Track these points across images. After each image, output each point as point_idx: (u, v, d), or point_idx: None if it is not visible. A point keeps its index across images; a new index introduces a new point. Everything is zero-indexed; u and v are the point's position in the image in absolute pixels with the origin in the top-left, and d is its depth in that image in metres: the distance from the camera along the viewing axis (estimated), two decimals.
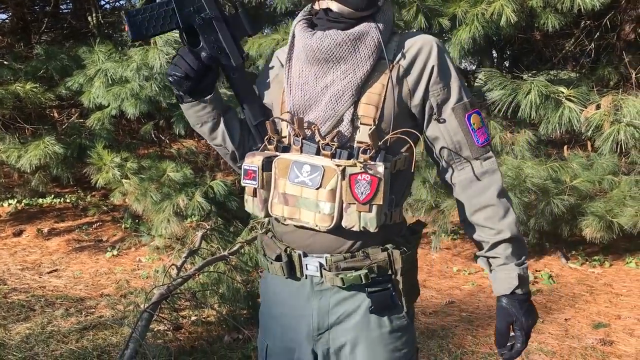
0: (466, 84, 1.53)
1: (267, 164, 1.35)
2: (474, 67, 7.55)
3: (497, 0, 3.89)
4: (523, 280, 1.39)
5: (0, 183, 5.76)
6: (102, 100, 4.74)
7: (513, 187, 3.85)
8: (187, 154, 5.78)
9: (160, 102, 4.88)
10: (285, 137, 1.40)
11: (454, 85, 1.38)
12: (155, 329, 3.34)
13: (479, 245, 1.44)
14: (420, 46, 1.37)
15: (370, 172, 1.27)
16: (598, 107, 3.85)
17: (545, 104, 3.81)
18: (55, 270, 4.66)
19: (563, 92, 3.83)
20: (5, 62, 5.85)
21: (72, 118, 6.10)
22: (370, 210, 1.28)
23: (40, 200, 6.51)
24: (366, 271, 1.34)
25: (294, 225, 1.38)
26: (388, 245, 1.38)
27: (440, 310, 3.78)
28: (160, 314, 3.23)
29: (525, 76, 3.94)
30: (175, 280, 3.26)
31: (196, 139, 6.93)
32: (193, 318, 3.55)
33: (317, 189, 1.29)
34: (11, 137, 5.33)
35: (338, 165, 1.28)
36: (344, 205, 1.28)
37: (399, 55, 1.36)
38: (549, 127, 3.84)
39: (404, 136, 1.33)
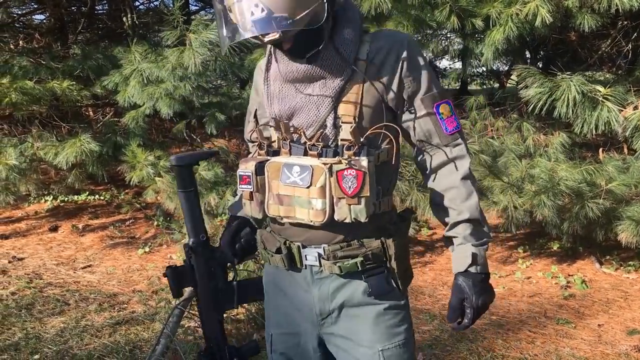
0: (437, 77, 1.66)
1: (259, 169, 1.45)
2: (506, 68, 7.46)
3: (533, 0, 3.84)
4: (477, 259, 1.47)
5: (38, 180, 5.89)
6: (137, 100, 4.82)
7: (546, 189, 3.80)
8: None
9: (193, 101, 4.94)
10: (274, 141, 1.51)
11: (423, 78, 1.47)
12: (186, 326, 3.38)
13: (444, 225, 1.54)
14: (392, 43, 1.45)
15: (355, 167, 1.36)
16: (635, 108, 3.77)
17: (583, 103, 3.74)
18: (89, 266, 4.76)
19: (600, 91, 3.76)
20: (43, 62, 5.99)
21: (107, 117, 6.22)
22: (359, 203, 1.36)
23: (75, 197, 6.65)
24: (362, 258, 1.44)
25: (290, 223, 1.47)
26: (381, 234, 1.46)
27: None
28: (191, 311, 3.27)
29: (562, 75, 3.87)
30: None
31: (227, 139, 7.00)
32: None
33: (308, 187, 1.39)
34: (49, 135, 5.47)
35: (325, 164, 1.37)
36: (335, 200, 1.38)
37: (372, 54, 1.44)
38: (585, 127, 3.78)
39: (383, 130, 1.41)
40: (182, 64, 4.51)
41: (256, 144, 1.60)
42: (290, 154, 1.45)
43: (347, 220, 1.38)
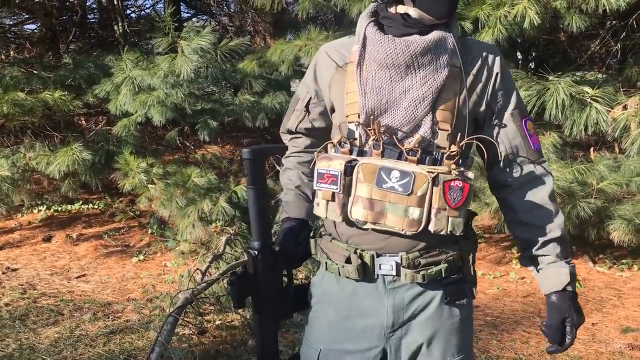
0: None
1: (349, 169, 1.34)
2: None
3: (521, 2, 3.86)
4: (573, 277, 1.44)
5: (31, 190, 5.88)
6: (129, 108, 4.82)
7: None
8: (212, 160, 5.83)
9: (185, 108, 4.94)
10: (356, 139, 1.39)
11: (513, 92, 1.45)
12: (180, 333, 3.38)
13: (527, 244, 1.48)
14: (486, 54, 1.43)
15: (462, 178, 1.30)
16: (625, 107, 3.80)
17: (572, 105, 3.76)
18: (83, 275, 4.75)
19: (588, 93, 3.78)
20: (34, 72, 5.99)
21: (100, 125, 6.21)
22: (459, 216, 1.32)
23: (69, 207, 6.64)
24: (446, 265, 1.39)
25: (372, 229, 1.37)
26: (456, 239, 1.41)
27: None
28: (185, 318, 3.27)
29: (551, 77, 3.89)
30: (200, 284, 3.30)
31: (220, 145, 7.00)
32: (217, 322, 3.59)
33: (408, 194, 1.30)
34: (41, 145, 5.46)
35: (430, 172, 1.29)
36: (434, 211, 1.30)
37: (467, 62, 1.40)
38: (574, 129, 3.80)
39: (477, 141, 1.38)
40: (173, 71, 4.51)
41: (299, 137, 1.56)
42: (382, 157, 1.34)
43: (443, 232, 1.32)
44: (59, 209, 6.58)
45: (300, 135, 1.59)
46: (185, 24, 6.94)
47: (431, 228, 1.31)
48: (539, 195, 1.45)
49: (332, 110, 1.50)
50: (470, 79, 1.40)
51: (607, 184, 3.96)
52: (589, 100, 3.75)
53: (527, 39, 5.40)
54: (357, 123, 1.37)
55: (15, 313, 3.87)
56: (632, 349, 3.20)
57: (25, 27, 8.76)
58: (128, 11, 9.14)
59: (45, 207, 6.50)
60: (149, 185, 4.79)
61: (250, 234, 1.52)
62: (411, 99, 1.35)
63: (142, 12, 9.49)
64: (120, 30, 6.88)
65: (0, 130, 6.08)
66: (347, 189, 1.35)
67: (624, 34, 5.09)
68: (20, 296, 4.18)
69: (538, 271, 1.48)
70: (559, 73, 4.48)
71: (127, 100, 4.77)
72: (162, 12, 5.64)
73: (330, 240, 1.48)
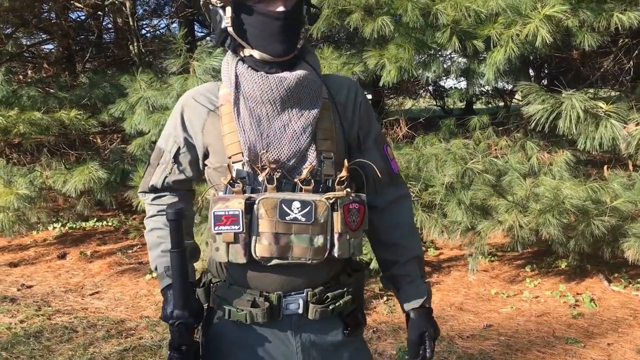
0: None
1: (248, 206, 1.32)
2: (510, 87, 7.49)
3: (532, 21, 3.88)
4: (429, 294, 1.53)
5: (47, 207, 5.94)
6: (143, 127, 4.88)
7: (551, 208, 3.79)
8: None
9: None
10: (244, 178, 1.37)
11: (374, 121, 1.55)
12: None
13: (388, 264, 1.56)
14: (349, 85, 1.51)
15: (358, 200, 1.38)
16: (638, 124, 3.78)
17: (586, 120, 3.76)
18: (97, 292, 4.77)
19: (602, 107, 3.78)
20: (51, 91, 6.09)
21: (114, 144, 6.29)
22: (357, 237, 1.38)
23: (84, 224, 6.70)
24: (350, 297, 1.44)
25: (273, 265, 1.35)
26: (349, 269, 1.49)
27: (478, 334, 3.73)
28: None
29: (564, 92, 3.89)
30: None
31: None
32: None
33: (312, 223, 1.32)
34: (57, 163, 5.53)
35: (328, 198, 1.33)
36: (337, 235, 1.34)
37: (334, 92, 1.46)
38: (588, 143, 3.79)
39: (355, 166, 1.43)
40: (185, 91, 4.56)
41: (164, 195, 1.52)
42: (277, 190, 1.36)
43: (346, 256, 1.36)
44: (74, 226, 6.64)
45: (165, 193, 1.55)
46: (198, 43, 7.04)
47: (335, 253, 1.34)
48: (401, 215, 1.55)
49: (206, 155, 1.48)
50: (339, 109, 1.45)
51: (622, 202, 3.93)
52: (602, 114, 3.74)
53: (539, 57, 5.41)
54: (243, 162, 1.37)
55: (29, 330, 3.90)
56: None
57: (43, 47, 8.93)
58: (143, 31, 9.30)
59: (60, 224, 6.57)
60: None
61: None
62: (292, 132, 1.38)
63: (157, 32, 9.64)
64: (136, 49, 6.98)
65: (17, 149, 6.17)
66: (249, 228, 1.33)
67: (636, 51, 5.08)
68: (35, 313, 4.21)
69: (398, 290, 1.55)
70: (572, 90, 4.47)
71: (142, 119, 4.83)
72: (176, 32, 5.71)
73: (229, 287, 1.44)
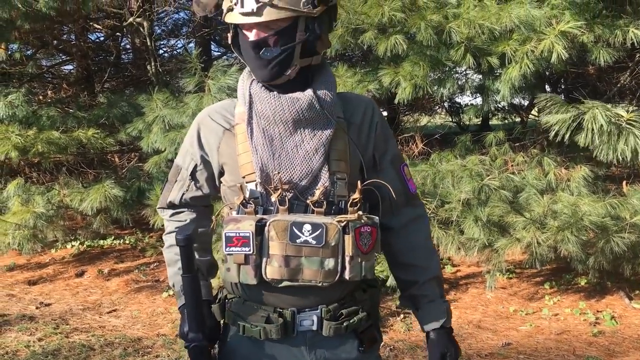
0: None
1: (259, 228, 1.33)
2: (526, 103, 7.47)
3: (547, 37, 3.87)
4: (449, 314, 1.53)
5: (64, 226, 5.99)
6: (159, 145, 4.93)
7: (569, 225, 3.75)
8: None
9: None
10: (258, 199, 1.38)
11: (391, 140, 1.55)
12: None
13: (407, 284, 1.55)
14: (365, 105, 1.50)
15: (370, 223, 1.36)
16: None
17: (609, 130, 3.71)
18: (114, 310, 4.79)
19: (623, 116, 3.74)
20: (70, 111, 6.18)
21: (132, 162, 6.35)
22: (369, 260, 1.37)
23: (101, 242, 6.75)
24: (365, 313, 1.44)
25: (287, 287, 1.36)
26: (364, 285, 1.49)
27: (497, 352, 3.68)
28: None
29: (587, 102, 3.85)
30: None
31: None
32: None
33: (322, 246, 1.32)
34: (75, 182, 5.59)
35: (339, 221, 1.32)
36: (348, 259, 1.33)
37: (349, 113, 1.45)
38: (610, 154, 3.74)
39: (370, 187, 1.41)
40: (201, 109, 4.60)
41: (182, 211, 1.54)
42: (289, 212, 1.35)
43: (357, 279, 1.36)
44: (91, 244, 6.69)
45: (183, 210, 1.57)
46: (215, 62, 7.11)
47: (346, 276, 1.34)
48: (418, 236, 1.54)
49: (221, 173, 1.49)
50: (355, 129, 1.45)
51: None
52: (624, 124, 3.69)
53: (555, 73, 5.39)
54: (256, 182, 1.38)
55: (48, 348, 3.92)
56: None
57: (63, 68, 9.08)
58: (161, 51, 9.43)
59: (78, 242, 6.62)
60: None
61: None
62: (304, 152, 1.38)
63: (174, 51, 9.76)
64: (153, 69, 7.07)
65: (37, 168, 6.25)
66: (259, 250, 1.33)
67: None
68: (53, 331, 4.23)
69: (417, 310, 1.54)
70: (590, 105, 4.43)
71: (158, 138, 4.88)
72: (193, 52, 5.78)
73: (243, 303, 1.45)
